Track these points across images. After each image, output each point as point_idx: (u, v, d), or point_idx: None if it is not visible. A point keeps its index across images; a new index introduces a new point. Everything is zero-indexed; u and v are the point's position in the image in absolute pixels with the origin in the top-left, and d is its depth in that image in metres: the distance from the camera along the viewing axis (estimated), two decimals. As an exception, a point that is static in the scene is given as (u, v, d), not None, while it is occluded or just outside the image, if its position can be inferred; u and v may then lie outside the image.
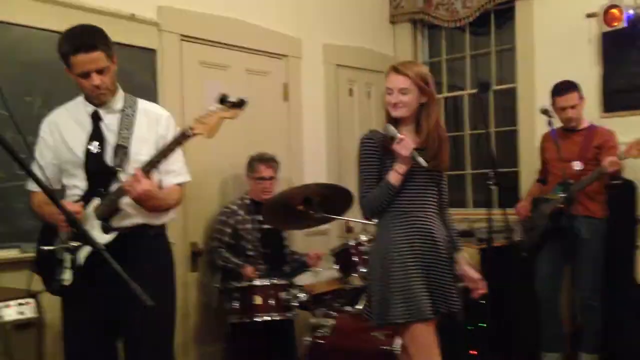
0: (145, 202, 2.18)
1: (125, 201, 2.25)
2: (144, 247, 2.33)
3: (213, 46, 3.93)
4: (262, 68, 4.25)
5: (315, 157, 4.56)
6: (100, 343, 2.34)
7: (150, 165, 2.17)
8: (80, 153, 2.33)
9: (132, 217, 2.29)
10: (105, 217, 2.25)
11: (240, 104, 2.02)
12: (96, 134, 2.33)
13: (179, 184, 2.40)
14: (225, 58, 4.01)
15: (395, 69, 2.46)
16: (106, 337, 2.37)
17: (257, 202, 3.70)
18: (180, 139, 2.12)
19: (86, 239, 1.60)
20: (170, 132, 2.36)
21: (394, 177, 2.40)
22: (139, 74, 3.53)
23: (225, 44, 3.99)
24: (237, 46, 4.06)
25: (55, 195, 1.61)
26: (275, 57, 4.33)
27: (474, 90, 4.93)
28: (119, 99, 2.39)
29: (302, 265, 3.84)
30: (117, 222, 2.28)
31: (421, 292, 2.37)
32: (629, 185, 3.96)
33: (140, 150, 2.31)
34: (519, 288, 4.06)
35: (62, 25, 3.05)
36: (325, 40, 4.68)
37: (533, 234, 3.79)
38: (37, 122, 3.04)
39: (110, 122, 2.35)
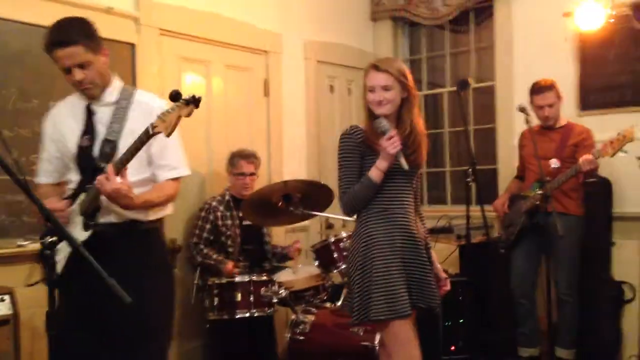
0: (116, 200, 2.12)
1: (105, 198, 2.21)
2: (133, 244, 2.27)
3: (193, 41, 3.90)
4: (243, 64, 4.23)
5: (295, 153, 4.55)
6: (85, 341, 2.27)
7: (121, 164, 2.10)
8: (73, 147, 2.30)
9: (119, 212, 2.23)
10: (90, 213, 2.21)
11: (194, 101, 1.97)
12: (88, 128, 2.30)
13: (174, 179, 2.33)
14: (205, 53, 3.98)
15: (376, 67, 2.46)
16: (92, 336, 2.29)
17: (237, 198, 3.69)
18: (144, 138, 2.05)
19: (62, 234, 1.58)
20: None
21: (375, 173, 2.40)
22: (117, 68, 3.42)
23: (205, 38, 3.96)
24: (217, 41, 4.03)
25: (27, 187, 1.57)
26: (256, 53, 4.31)
27: (454, 88, 4.95)
28: (114, 92, 2.34)
29: (284, 257, 3.84)
30: (104, 218, 2.23)
31: (402, 289, 2.38)
32: (605, 182, 4.02)
33: (128, 144, 2.22)
34: (497, 284, 4.11)
35: (37, 18, 3.03)
36: (306, 36, 4.67)
37: (510, 230, 3.83)
38: (13, 116, 3.03)
39: (102, 116, 2.31)
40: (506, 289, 3.91)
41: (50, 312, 1.58)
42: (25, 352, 2.85)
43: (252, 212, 3.30)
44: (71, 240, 1.63)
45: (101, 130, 2.29)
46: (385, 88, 2.43)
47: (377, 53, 5.23)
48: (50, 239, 1.54)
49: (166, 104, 2.34)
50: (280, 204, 3.23)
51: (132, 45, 3.55)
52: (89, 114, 2.33)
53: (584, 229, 3.74)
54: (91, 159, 2.26)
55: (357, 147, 2.44)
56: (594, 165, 3.44)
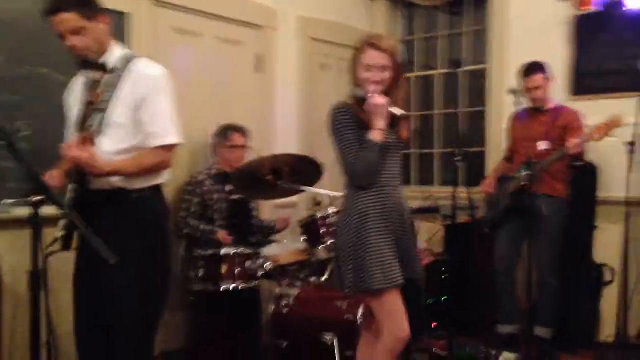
0: (83, 168, 2.13)
1: None
2: (120, 212, 2.27)
3: (187, 12, 3.88)
4: (236, 37, 4.22)
5: (287, 130, 4.56)
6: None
7: (88, 132, 2.13)
8: (74, 116, 2.32)
9: (108, 180, 2.23)
10: (79, 180, 2.21)
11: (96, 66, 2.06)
12: (84, 96, 2.29)
13: (161, 147, 2.29)
14: (198, 25, 3.97)
15: (375, 46, 2.43)
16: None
17: (225, 172, 3.71)
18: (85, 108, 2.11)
19: (49, 197, 1.60)
20: (153, 92, 2.27)
21: (376, 135, 2.39)
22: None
23: (199, 10, 3.94)
24: (211, 14, 4.01)
25: (15, 150, 1.59)
26: (250, 27, 4.30)
27: (446, 70, 4.97)
28: (111, 59, 2.31)
29: (271, 231, 3.87)
30: (95, 185, 2.25)
31: (394, 259, 2.43)
32: (591, 166, 4.06)
33: (117, 112, 2.24)
34: (480, 264, 4.18)
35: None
36: (301, 12, 4.65)
37: (496, 211, 3.88)
38: (2, 82, 3.01)
39: (100, 80, 2.27)
40: (489, 269, 3.97)
41: (34, 272, 1.59)
42: (8, 316, 2.87)
43: (241, 185, 3.32)
44: (58, 203, 1.65)
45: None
46: (384, 68, 2.43)
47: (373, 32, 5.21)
48: (36, 199, 1.56)
49: (163, 72, 2.36)
50: (269, 177, 3.24)
51: (126, 15, 3.53)
52: (87, 83, 2.31)
53: (568, 211, 3.79)
54: (82, 127, 2.23)
55: (352, 120, 2.43)
56: (580, 149, 3.49)
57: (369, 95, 2.40)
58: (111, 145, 2.23)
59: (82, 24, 2.21)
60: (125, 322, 2.24)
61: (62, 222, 2.10)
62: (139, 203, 2.30)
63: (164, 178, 2.41)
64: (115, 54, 2.33)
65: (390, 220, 2.46)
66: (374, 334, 2.55)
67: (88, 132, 2.11)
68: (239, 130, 3.75)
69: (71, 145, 2.07)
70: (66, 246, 2.14)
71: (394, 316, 2.44)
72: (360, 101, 2.42)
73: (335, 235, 2.62)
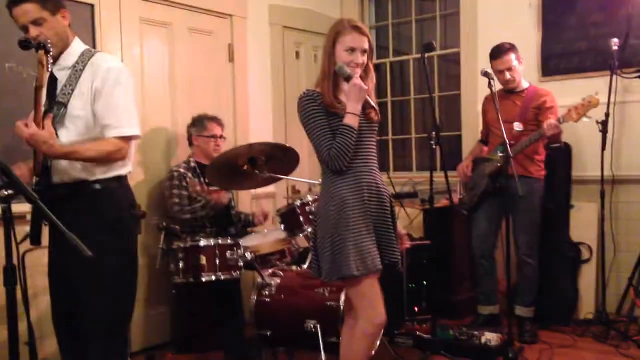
0: (36, 146, 2.14)
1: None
2: (83, 204, 2.29)
3: (154, 2, 3.82)
4: (206, 27, 4.16)
5: (261, 119, 4.53)
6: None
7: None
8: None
9: (69, 171, 2.27)
10: (42, 172, 2.23)
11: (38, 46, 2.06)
12: (50, 94, 2.31)
13: (117, 137, 2.29)
14: (166, 15, 3.91)
15: (358, 29, 2.43)
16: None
17: (201, 164, 3.67)
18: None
19: (18, 188, 1.55)
20: (107, 84, 2.27)
21: (351, 119, 2.38)
22: (76, 29, 3.36)
23: (167, 0, 3.87)
24: (179, 3, 3.95)
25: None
26: (220, 17, 4.24)
27: (419, 55, 4.97)
28: (71, 55, 2.34)
29: (249, 224, 3.84)
30: (57, 178, 2.28)
31: (372, 245, 2.42)
32: (565, 146, 4.11)
33: (76, 105, 2.27)
34: (459, 246, 4.21)
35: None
36: (272, 1, 4.61)
37: (473, 192, 3.90)
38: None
39: (61, 80, 2.32)
40: (468, 251, 4.00)
41: (8, 266, 1.55)
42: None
43: (217, 176, 3.27)
44: (28, 195, 1.60)
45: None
46: (364, 52, 2.44)
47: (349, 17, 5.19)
48: (7, 193, 1.51)
49: (120, 66, 2.37)
50: (245, 167, 3.21)
51: (92, 6, 3.47)
52: (52, 79, 2.32)
53: (544, 191, 3.83)
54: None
55: (319, 105, 2.42)
56: (557, 130, 3.51)
57: (355, 76, 2.38)
58: (70, 137, 2.26)
59: (43, 15, 2.25)
60: (96, 314, 2.27)
61: (28, 217, 2.12)
62: (101, 194, 2.32)
63: (126, 170, 2.42)
64: (76, 49, 2.37)
65: (368, 205, 2.45)
66: (355, 318, 2.55)
67: (45, 114, 2.14)
68: (215, 119, 3.72)
69: (28, 123, 2.10)
70: (35, 241, 2.15)
71: (370, 301, 2.44)
72: (345, 79, 2.40)
73: (313, 222, 2.58)
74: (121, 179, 2.40)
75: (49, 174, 2.26)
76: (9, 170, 1.59)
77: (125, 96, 2.33)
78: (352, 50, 2.41)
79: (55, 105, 2.26)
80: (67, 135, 2.26)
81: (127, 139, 2.33)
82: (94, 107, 2.28)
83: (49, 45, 2.08)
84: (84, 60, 2.32)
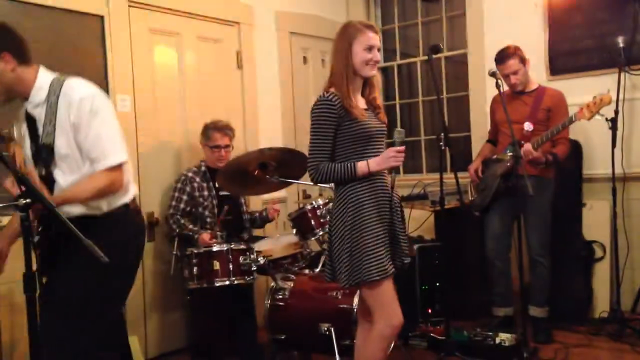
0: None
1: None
2: (93, 235, 2.20)
3: (162, 12, 3.86)
4: (214, 35, 4.20)
5: (270, 125, 4.55)
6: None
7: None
8: (29, 155, 2.27)
9: (72, 211, 2.19)
10: (46, 216, 2.18)
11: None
12: (32, 136, 2.25)
13: (106, 170, 2.22)
14: (175, 25, 3.95)
15: (373, 27, 2.49)
16: None
17: (213, 169, 3.70)
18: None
19: (36, 196, 1.58)
20: (83, 117, 2.18)
21: (362, 169, 2.41)
22: (87, 41, 3.45)
23: (175, 10, 3.92)
24: (187, 12, 3.99)
25: (1, 154, 1.58)
26: (227, 24, 4.28)
27: (426, 57, 4.98)
28: (41, 89, 2.23)
29: (263, 221, 3.85)
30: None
31: (387, 250, 2.44)
32: (575, 145, 4.10)
33: (61, 145, 2.18)
34: (471, 247, 4.20)
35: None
36: (278, 7, 4.65)
37: (485, 193, 3.89)
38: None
39: (39, 118, 2.23)
40: (480, 252, 4.00)
41: (27, 274, 1.58)
42: (5, 326, 2.85)
43: (228, 181, 3.31)
44: (46, 203, 1.64)
45: (41, 133, 2.23)
46: (378, 49, 2.50)
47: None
48: (24, 201, 1.54)
49: (92, 92, 2.25)
50: (256, 172, 3.24)
51: (102, 18, 3.52)
52: (29, 119, 2.27)
53: (555, 190, 3.82)
54: (36, 166, 2.24)
55: (335, 113, 2.40)
56: (531, 157, 3.51)
57: (400, 147, 2.42)
58: (65, 177, 2.21)
59: None
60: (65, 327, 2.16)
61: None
62: (109, 225, 2.26)
63: (129, 196, 2.36)
64: (44, 81, 2.25)
65: (381, 209, 2.46)
66: (370, 321, 2.55)
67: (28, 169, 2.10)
68: (221, 129, 3.72)
69: (13, 184, 1.97)
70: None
71: (387, 304, 2.46)
72: (392, 143, 2.45)
73: (327, 226, 2.59)
74: (126, 206, 2.33)
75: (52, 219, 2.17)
76: (26, 179, 1.62)
77: (104, 124, 2.23)
78: (370, 48, 2.45)
79: (42, 149, 2.20)
80: (63, 176, 2.21)
81: (117, 167, 2.25)
82: (76, 141, 2.20)
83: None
84: (55, 90, 2.22)
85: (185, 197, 3.62)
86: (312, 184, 3.71)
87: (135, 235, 2.39)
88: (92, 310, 2.19)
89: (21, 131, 2.30)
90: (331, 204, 3.36)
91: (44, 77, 2.26)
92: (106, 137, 2.23)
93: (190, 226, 3.55)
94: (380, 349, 2.49)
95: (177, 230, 3.53)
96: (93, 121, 2.18)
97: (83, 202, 2.20)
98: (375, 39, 2.47)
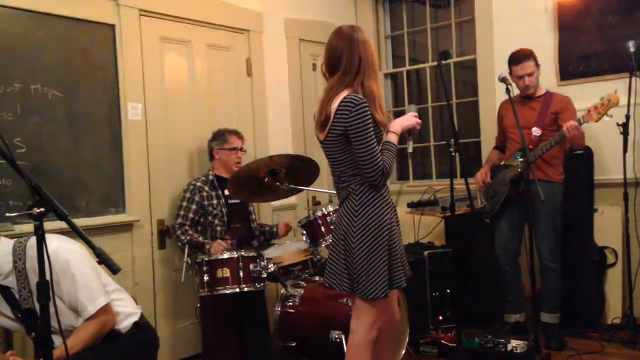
0: None
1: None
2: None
3: (173, 21, 3.89)
4: (224, 43, 4.22)
5: (280, 132, 4.57)
6: None
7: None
8: (14, 326, 2.36)
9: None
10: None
11: None
12: (11, 304, 2.31)
13: (94, 315, 2.31)
14: (185, 33, 3.97)
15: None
16: None
17: (221, 177, 3.71)
18: None
19: (51, 206, 1.59)
20: (59, 275, 2.23)
21: (394, 138, 2.47)
22: (98, 50, 3.48)
23: (185, 19, 3.95)
24: (197, 21, 4.02)
25: (15, 163, 1.59)
26: (237, 32, 4.31)
27: (435, 63, 4.98)
28: (5, 258, 2.29)
29: (273, 235, 3.86)
30: None
31: (401, 262, 2.45)
32: (586, 150, 4.08)
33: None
34: (482, 254, 4.18)
35: (14, 1, 3.03)
36: (287, 14, 4.67)
37: (495, 200, 3.88)
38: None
39: (12, 286, 2.29)
40: (491, 258, 3.98)
41: (42, 283, 1.59)
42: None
43: (239, 189, 3.32)
44: (60, 212, 1.65)
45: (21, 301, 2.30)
46: None
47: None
48: (39, 210, 1.56)
49: (55, 248, 2.26)
50: (266, 179, 3.25)
51: (113, 27, 3.55)
52: (3, 291, 2.32)
53: (567, 196, 3.81)
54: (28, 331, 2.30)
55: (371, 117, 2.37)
56: (578, 131, 3.47)
57: (416, 115, 2.54)
58: (64, 325, 2.23)
59: None
60: None
61: None
62: (122, 344, 2.39)
63: (131, 320, 2.46)
64: (5, 250, 2.30)
65: (392, 221, 2.44)
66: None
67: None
68: (236, 133, 3.77)
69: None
70: None
71: (379, 318, 2.46)
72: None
73: (337, 233, 2.47)
74: (138, 325, 2.47)
75: None
76: (40, 188, 1.63)
77: (78, 275, 2.29)
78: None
79: (25, 314, 2.26)
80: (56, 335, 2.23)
81: (102, 310, 2.32)
82: (60, 299, 2.28)
83: None
84: (20, 256, 2.28)
85: (194, 207, 3.63)
86: (322, 190, 3.75)
87: (150, 350, 2.55)
88: None
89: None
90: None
91: (4, 245, 2.32)
92: (84, 286, 2.30)
93: (200, 238, 3.56)
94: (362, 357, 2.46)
95: (186, 240, 3.53)
96: (67, 277, 2.26)
97: (81, 350, 2.25)
98: None
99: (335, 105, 2.36)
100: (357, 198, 2.39)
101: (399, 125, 2.50)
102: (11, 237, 2.92)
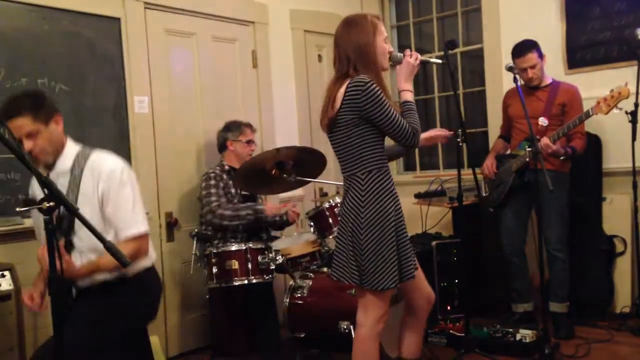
0: (68, 276, 2.15)
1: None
2: (115, 296, 2.31)
3: (178, 13, 3.89)
4: (229, 35, 4.22)
5: (286, 123, 4.56)
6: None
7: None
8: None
9: (96, 277, 2.28)
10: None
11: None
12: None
13: (132, 239, 2.30)
14: (190, 25, 3.97)
15: (381, 19, 2.52)
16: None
17: (234, 168, 3.71)
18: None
19: (60, 201, 1.60)
20: (112, 187, 2.26)
21: (410, 96, 2.49)
22: (104, 43, 3.49)
23: (190, 11, 3.94)
24: (202, 13, 4.02)
25: (24, 158, 1.60)
26: (242, 24, 4.30)
27: (442, 53, 4.96)
28: (68, 157, 2.32)
29: (285, 223, 3.85)
30: (83, 283, 2.29)
31: (411, 251, 2.44)
32: (595, 139, 4.06)
33: (83, 212, 2.14)
34: (489, 243, 4.18)
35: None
36: (292, 5, 4.65)
37: (500, 189, 3.87)
38: (1, 95, 3.03)
39: (61, 186, 2.27)
40: (499, 248, 3.97)
41: (52, 276, 1.60)
42: (28, 326, 2.90)
43: (246, 181, 3.32)
44: (69, 206, 1.66)
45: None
46: None
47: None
48: (48, 204, 1.57)
49: (121, 165, 2.32)
50: (273, 171, 3.25)
51: (118, 20, 3.55)
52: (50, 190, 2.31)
53: (575, 185, 3.79)
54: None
55: None
56: (550, 150, 3.48)
57: (409, 53, 2.50)
58: (82, 243, 2.25)
59: (37, 127, 2.22)
60: None
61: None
62: (135, 286, 2.35)
63: (150, 260, 2.44)
64: (71, 151, 2.34)
65: (398, 206, 2.42)
66: (410, 312, 2.66)
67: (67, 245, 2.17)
68: (250, 125, 3.78)
69: (40, 255, 2.08)
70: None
71: (385, 310, 2.45)
72: (398, 62, 2.51)
73: (343, 225, 2.45)
74: (149, 270, 2.43)
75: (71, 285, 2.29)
76: (49, 182, 1.64)
77: (132, 195, 2.32)
78: (386, 39, 2.49)
79: (64, 218, 2.25)
80: (81, 242, 2.27)
81: (140, 237, 2.32)
82: (103, 211, 2.27)
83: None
84: (80, 163, 2.30)
85: (222, 192, 3.59)
86: (329, 182, 3.74)
87: (157, 297, 2.53)
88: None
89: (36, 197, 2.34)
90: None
91: (71, 146, 2.36)
92: (133, 207, 2.32)
93: (245, 206, 3.53)
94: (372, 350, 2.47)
95: (233, 213, 3.47)
96: (122, 192, 2.27)
97: (111, 270, 2.26)
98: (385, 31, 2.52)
99: (340, 95, 2.36)
100: (362, 187, 2.37)
101: (403, 79, 2.50)
102: (18, 231, 2.99)
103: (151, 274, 2.46)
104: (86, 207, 2.21)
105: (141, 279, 2.38)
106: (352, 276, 2.41)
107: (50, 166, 2.31)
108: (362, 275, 2.37)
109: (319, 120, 2.54)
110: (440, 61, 2.71)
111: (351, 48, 2.40)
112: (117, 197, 2.25)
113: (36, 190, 2.38)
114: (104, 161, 2.31)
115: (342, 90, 2.35)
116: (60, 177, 2.29)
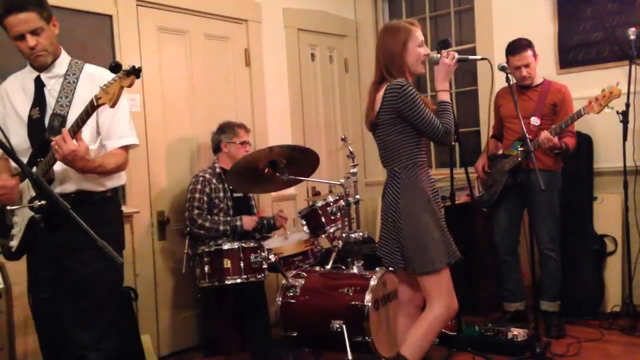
0: (72, 163, 2.14)
1: (58, 169, 2.22)
2: (86, 214, 2.25)
3: (170, 11, 3.87)
4: (222, 33, 4.20)
5: (279, 122, 4.55)
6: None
7: (77, 127, 2.11)
8: (24, 119, 2.31)
9: (70, 183, 2.27)
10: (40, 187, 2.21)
11: (135, 72, 1.97)
12: (38, 100, 2.31)
13: (122, 147, 2.35)
14: (183, 23, 3.95)
15: (417, 24, 2.64)
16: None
17: (226, 170, 3.70)
18: (89, 109, 2.07)
19: (51, 198, 1.59)
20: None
21: (446, 95, 2.61)
22: (96, 40, 3.46)
23: (182, 8, 3.93)
24: (195, 11, 4.00)
25: (16, 157, 1.58)
26: (235, 22, 4.28)
27: (434, 51, 4.95)
28: (63, 63, 2.37)
29: (271, 227, 3.86)
30: (59, 189, 2.26)
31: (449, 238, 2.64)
32: (586, 139, 4.08)
33: (75, 115, 2.20)
34: (482, 243, 4.19)
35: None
36: (285, 4, 4.64)
37: (493, 189, 3.88)
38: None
39: (52, 88, 2.34)
40: (491, 247, 3.99)
41: (47, 276, 1.59)
42: (19, 324, 2.88)
43: (239, 180, 3.31)
44: (61, 205, 1.64)
45: (51, 102, 2.30)
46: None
47: (358, 20, 5.23)
48: (39, 203, 1.55)
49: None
50: (266, 170, 3.24)
51: (110, 17, 3.52)
52: (39, 85, 2.34)
53: (566, 184, 3.81)
54: (41, 132, 2.26)
55: None
56: (551, 143, 3.51)
57: (445, 53, 2.60)
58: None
59: (41, 24, 2.26)
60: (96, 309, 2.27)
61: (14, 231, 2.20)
62: (107, 203, 2.38)
63: (123, 180, 2.48)
64: (65, 58, 2.39)
65: (437, 197, 2.63)
66: (415, 305, 2.78)
67: (74, 127, 2.12)
68: (244, 126, 3.77)
69: (67, 139, 2.08)
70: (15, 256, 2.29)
71: (448, 289, 2.61)
72: (435, 64, 2.62)
73: (385, 216, 2.64)
74: (118, 190, 2.46)
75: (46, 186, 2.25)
76: (40, 181, 1.62)
77: (125, 107, 2.37)
78: (422, 44, 2.61)
79: (54, 118, 2.25)
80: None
81: (128, 148, 2.39)
82: (98, 118, 2.29)
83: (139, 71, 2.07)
84: (74, 71, 2.34)
85: (205, 198, 3.59)
86: (322, 181, 3.74)
87: (122, 218, 2.54)
88: (114, 293, 2.38)
89: (15, 100, 2.35)
90: (342, 201, 3.38)
91: (65, 55, 2.40)
92: (127, 119, 2.38)
93: (223, 219, 3.56)
94: (435, 332, 2.63)
95: (209, 225, 3.50)
96: (120, 101, 2.22)
97: (107, 172, 2.31)
98: (422, 35, 2.63)
99: (379, 98, 2.55)
100: (399, 181, 2.58)
101: (440, 79, 2.61)
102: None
103: (119, 195, 2.51)
104: (80, 109, 2.19)
105: (113, 197, 2.41)
106: (397, 261, 2.62)
107: (44, 68, 2.33)
108: (412, 264, 2.55)
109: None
110: (479, 57, 2.78)
111: (385, 55, 2.59)
112: (117, 106, 2.22)
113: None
114: (103, 71, 2.33)
115: (381, 93, 2.54)
116: (52, 80, 2.33)
